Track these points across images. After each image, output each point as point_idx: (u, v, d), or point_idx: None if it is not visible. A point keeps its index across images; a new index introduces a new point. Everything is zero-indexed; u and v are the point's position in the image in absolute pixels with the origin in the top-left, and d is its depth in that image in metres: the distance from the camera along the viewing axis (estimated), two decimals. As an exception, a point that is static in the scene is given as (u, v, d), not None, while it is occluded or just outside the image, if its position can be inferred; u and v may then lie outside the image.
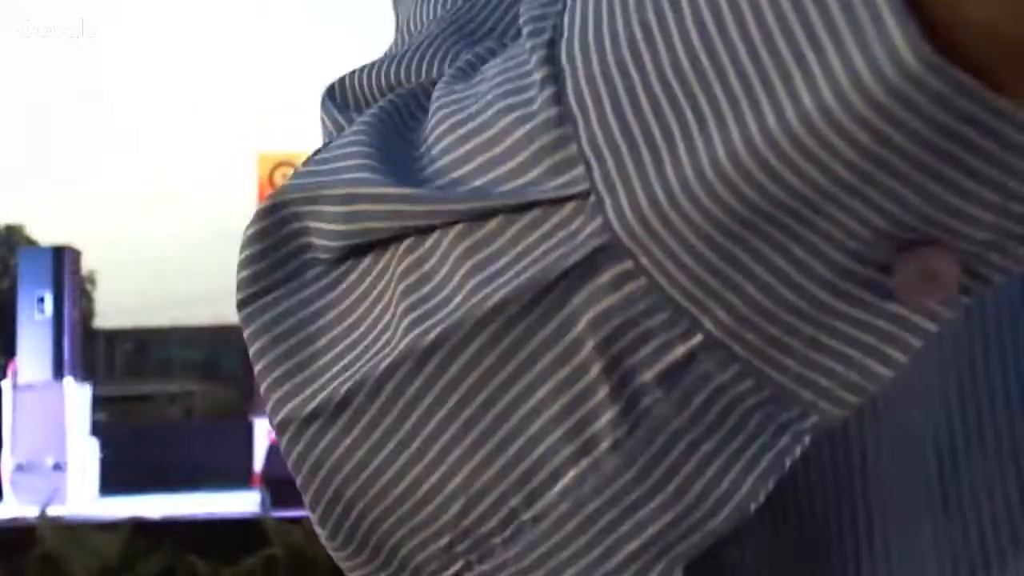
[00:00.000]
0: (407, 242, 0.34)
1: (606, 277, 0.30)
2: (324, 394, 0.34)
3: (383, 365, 0.33)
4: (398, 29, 0.48)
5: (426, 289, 0.33)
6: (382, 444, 0.34)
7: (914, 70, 0.26)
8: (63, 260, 8.26)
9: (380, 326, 0.34)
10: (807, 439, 0.32)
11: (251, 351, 0.36)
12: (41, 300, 8.23)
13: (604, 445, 0.31)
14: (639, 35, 0.29)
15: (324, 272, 0.36)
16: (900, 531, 0.39)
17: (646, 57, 0.29)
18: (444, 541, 0.34)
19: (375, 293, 0.35)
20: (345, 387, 0.34)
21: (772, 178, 0.28)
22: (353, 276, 0.35)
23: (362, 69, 0.44)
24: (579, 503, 0.32)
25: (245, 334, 0.36)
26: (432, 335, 0.32)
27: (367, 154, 0.35)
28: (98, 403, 9.57)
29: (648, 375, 0.31)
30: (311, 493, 0.35)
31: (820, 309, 0.29)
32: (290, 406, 0.35)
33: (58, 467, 7.83)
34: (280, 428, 0.35)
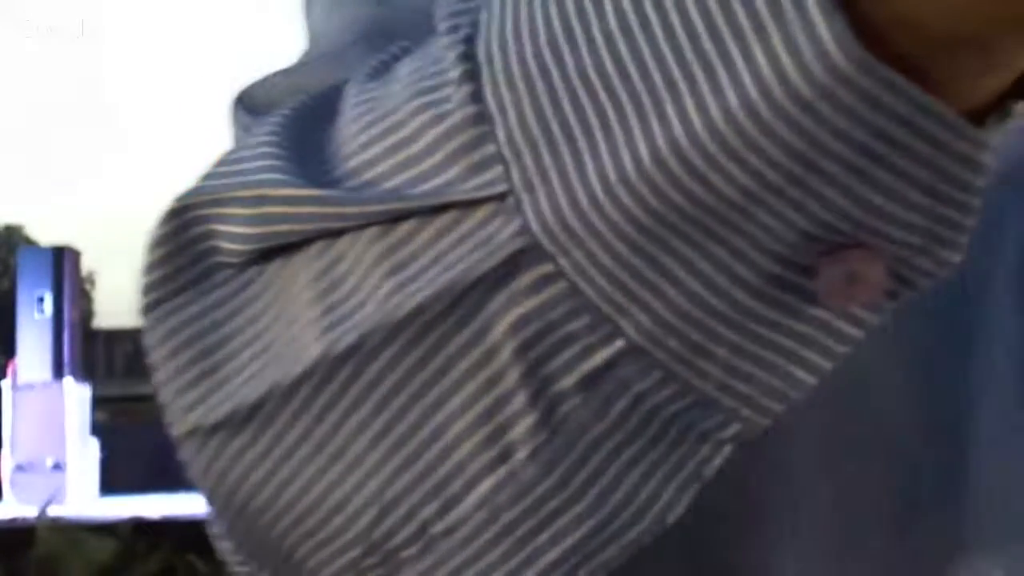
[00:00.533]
0: (317, 245, 0.32)
1: (525, 280, 0.29)
2: (231, 403, 0.33)
3: (294, 372, 0.32)
4: (309, 40, 0.47)
5: (338, 294, 0.32)
6: (291, 453, 0.32)
7: (842, 68, 0.25)
8: (63, 260, 8.26)
9: (290, 332, 0.33)
10: (728, 448, 0.31)
11: (152, 359, 0.35)
12: (41, 300, 8.23)
13: (522, 453, 0.30)
14: (560, 31, 0.28)
15: (231, 277, 0.34)
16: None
17: (567, 54, 0.28)
18: (353, 555, 0.33)
19: (284, 298, 0.33)
20: (254, 395, 0.33)
21: (696, 179, 0.27)
22: (261, 281, 0.34)
23: (274, 74, 0.43)
24: (495, 513, 0.31)
25: (146, 342, 0.35)
26: (345, 341, 0.31)
27: (277, 155, 0.34)
28: (98, 403, 9.57)
29: (567, 381, 0.30)
30: (216, 506, 0.34)
31: (744, 314, 0.29)
32: (194, 415, 0.34)
33: (58, 467, 7.83)
34: (184, 439, 0.34)
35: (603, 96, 0.28)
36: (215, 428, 0.33)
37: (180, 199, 0.35)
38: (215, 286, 0.35)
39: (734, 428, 0.30)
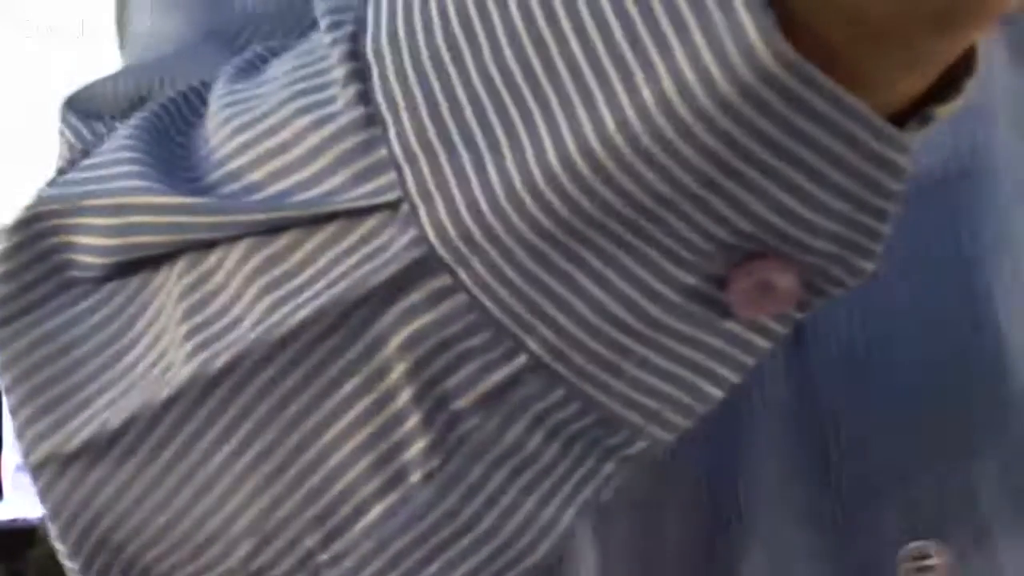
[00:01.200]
0: (186, 258, 0.30)
1: (420, 294, 0.28)
2: (91, 428, 0.31)
3: (163, 394, 0.30)
4: (130, 43, 0.45)
5: (211, 310, 0.30)
6: (160, 480, 0.30)
7: (767, 65, 0.23)
8: (63, 260, 8.23)
9: (156, 351, 0.31)
10: (630, 465, 0.30)
11: (4, 383, 0.32)
12: (41, 300, 8.18)
13: (415, 477, 0.29)
14: (459, 29, 0.26)
15: (87, 292, 0.32)
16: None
17: (465, 51, 0.26)
18: None
19: (148, 314, 0.31)
20: (118, 419, 0.30)
21: (607, 183, 0.25)
22: (121, 296, 0.31)
23: (107, 78, 0.40)
24: (384, 542, 0.29)
25: None
26: (221, 360, 0.29)
27: (139, 159, 0.31)
28: (98, 403, 9.53)
29: (464, 401, 0.28)
30: (71, 540, 0.31)
31: (652, 327, 0.27)
32: (48, 443, 0.31)
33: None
34: (36, 470, 0.31)
35: (506, 97, 0.26)
36: (73, 457, 0.31)
37: (30, 207, 0.33)
38: (70, 302, 0.32)
39: (639, 445, 0.29)
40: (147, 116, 0.34)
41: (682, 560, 0.39)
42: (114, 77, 0.40)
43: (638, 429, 0.29)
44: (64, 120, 0.40)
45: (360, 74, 0.28)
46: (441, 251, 0.27)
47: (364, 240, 0.28)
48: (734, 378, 0.29)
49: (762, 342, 0.28)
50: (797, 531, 0.39)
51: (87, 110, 0.39)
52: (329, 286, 0.28)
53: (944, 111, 0.27)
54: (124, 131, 0.33)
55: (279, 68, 0.31)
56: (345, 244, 0.28)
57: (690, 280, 0.27)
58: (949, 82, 0.27)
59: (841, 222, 0.26)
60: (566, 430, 0.29)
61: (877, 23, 0.24)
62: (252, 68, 0.33)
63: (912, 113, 0.27)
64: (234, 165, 0.30)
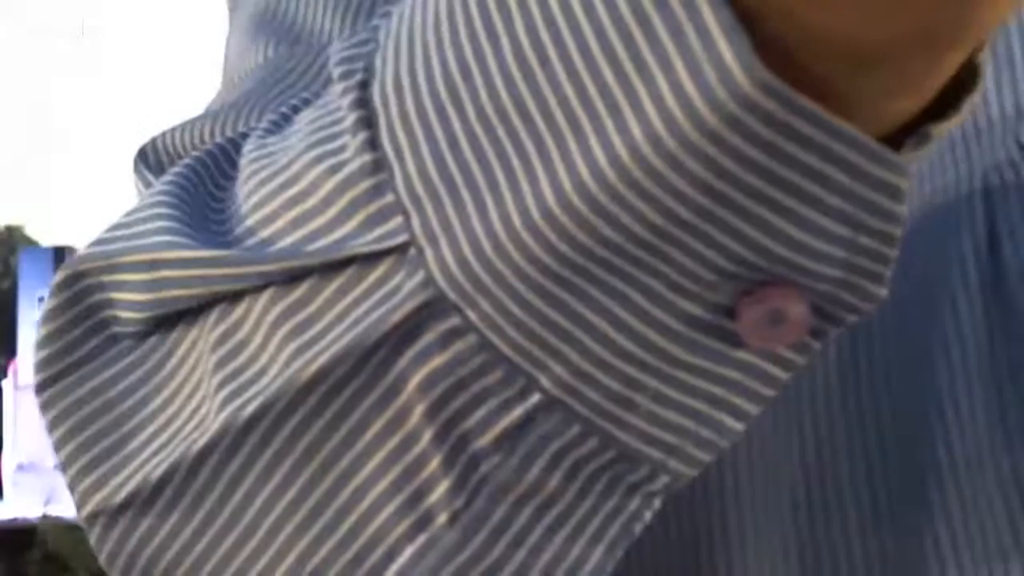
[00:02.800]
0: (218, 309, 0.31)
1: (432, 336, 0.28)
2: (135, 480, 0.32)
3: (199, 444, 0.30)
4: (224, 68, 0.45)
5: (241, 359, 0.30)
6: (203, 530, 0.31)
7: (747, 92, 0.23)
8: (63, 260, 8.23)
9: (194, 402, 0.31)
10: (657, 501, 0.29)
11: (53, 439, 0.33)
12: (41, 300, 8.19)
13: (441, 519, 0.29)
14: (456, 71, 0.27)
15: (130, 348, 0.33)
16: (760, 554, 0.38)
17: (464, 94, 0.27)
18: None
19: (187, 367, 0.32)
20: (159, 471, 0.31)
21: (604, 218, 0.25)
22: (162, 350, 0.32)
23: (175, 128, 0.41)
24: None
25: (45, 422, 0.33)
26: (250, 408, 0.30)
27: (170, 216, 0.32)
28: (99, 403, 9.53)
29: (484, 440, 0.28)
30: None
31: (664, 360, 0.27)
32: (98, 497, 0.32)
33: (59, 467, 7.79)
34: (89, 523, 0.32)
35: (504, 138, 0.26)
36: (120, 509, 0.32)
37: (71, 265, 0.34)
38: (114, 358, 0.33)
39: (663, 480, 0.29)
40: (181, 171, 0.34)
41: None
42: (183, 126, 0.41)
43: (659, 464, 0.29)
44: (136, 171, 0.41)
45: (368, 121, 0.28)
46: (449, 292, 0.27)
47: (377, 284, 0.28)
48: (754, 410, 0.29)
49: (780, 372, 0.28)
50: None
51: (157, 161, 0.41)
52: (347, 331, 0.28)
53: (941, 129, 0.27)
54: (160, 186, 0.34)
55: (303, 119, 0.31)
56: (360, 289, 0.28)
57: (696, 311, 0.27)
58: (953, 97, 0.27)
59: (844, 247, 0.26)
60: (587, 467, 0.29)
61: (859, 48, 0.24)
62: (285, 121, 0.33)
63: (911, 130, 0.27)
64: (259, 215, 0.30)
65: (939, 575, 0.37)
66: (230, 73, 0.45)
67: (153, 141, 0.42)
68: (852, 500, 0.38)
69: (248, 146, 0.33)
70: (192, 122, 0.42)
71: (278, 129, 0.33)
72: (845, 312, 0.27)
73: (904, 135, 0.27)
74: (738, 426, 0.29)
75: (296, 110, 0.34)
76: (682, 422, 0.28)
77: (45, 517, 6.17)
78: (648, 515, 0.30)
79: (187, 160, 0.35)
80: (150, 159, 0.42)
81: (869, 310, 0.27)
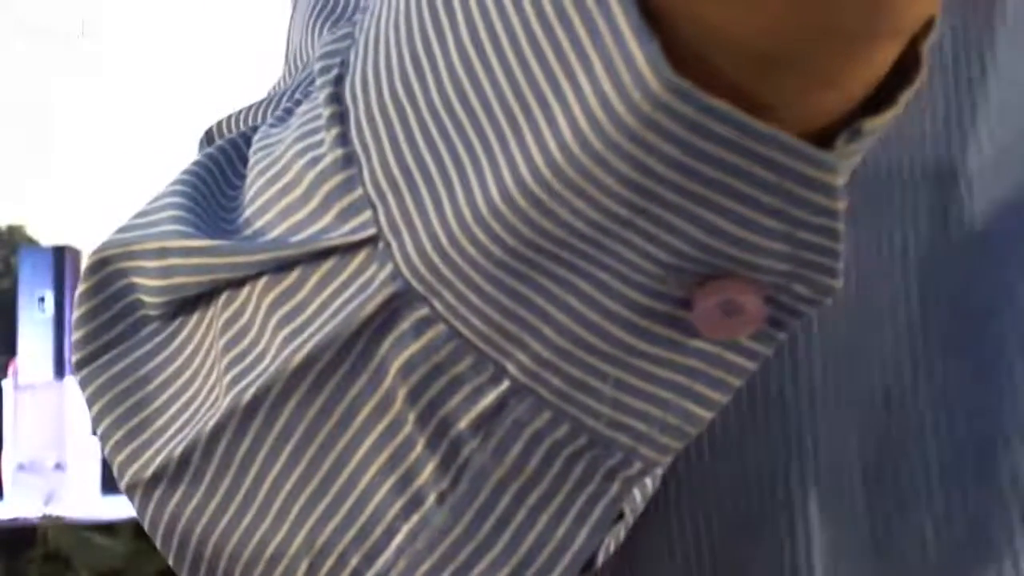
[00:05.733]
0: (224, 295, 0.32)
1: (407, 324, 0.29)
2: (163, 455, 0.33)
3: (211, 424, 0.32)
4: (286, 62, 0.46)
5: (243, 344, 0.32)
6: (226, 505, 0.33)
7: (657, 92, 0.24)
8: (63, 260, 8.22)
9: (210, 383, 0.33)
10: (637, 484, 0.30)
11: (91, 414, 0.35)
12: (42, 300, 8.18)
13: (431, 499, 0.30)
14: (409, 66, 0.28)
15: (158, 329, 0.35)
16: (834, 459, 0.38)
17: (417, 90, 0.28)
18: None
19: (204, 349, 0.33)
20: (180, 448, 0.33)
21: (544, 213, 0.26)
22: (185, 332, 0.34)
23: (239, 111, 0.43)
24: (415, 561, 0.31)
25: (84, 396, 0.35)
26: (250, 392, 0.31)
27: (181, 205, 0.34)
28: (99, 403, 9.50)
29: (463, 424, 0.29)
30: (172, 557, 0.34)
31: (621, 348, 0.28)
32: (133, 469, 0.34)
33: (59, 467, 7.79)
34: (128, 492, 0.34)
35: (453, 134, 0.27)
36: (153, 481, 0.33)
37: (97, 251, 0.35)
38: (144, 339, 0.35)
39: (637, 466, 0.29)
40: (201, 160, 0.35)
41: None
42: (248, 109, 0.42)
43: (630, 450, 0.29)
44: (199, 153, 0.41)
45: (341, 116, 0.29)
46: (415, 283, 0.28)
47: (355, 274, 0.29)
48: (721, 399, 0.29)
49: (744, 362, 0.28)
50: None
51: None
52: (330, 318, 0.30)
53: (873, 124, 0.26)
54: (178, 175, 0.35)
55: (299, 111, 0.32)
56: (340, 279, 0.30)
57: (649, 301, 0.27)
58: (893, 90, 0.27)
59: (783, 241, 0.26)
60: (563, 452, 0.30)
61: (759, 46, 0.24)
62: (289, 113, 0.34)
63: (844, 124, 0.26)
64: (255, 206, 0.32)
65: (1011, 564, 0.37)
66: (291, 57, 0.46)
67: (219, 124, 0.43)
68: (921, 466, 0.38)
69: (258, 135, 0.34)
70: (252, 106, 0.43)
71: (284, 120, 0.34)
72: (801, 303, 0.27)
73: (836, 128, 0.26)
74: (705, 414, 0.29)
75: (300, 102, 0.35)
76: (648, 409, 0.29)
77: (45, 517, 6.17)
78: (638, 498, 0.31)
79: (210, 149, 0.36)
80: (214, 141, 0.43)
81: (824, 300, 0.27)
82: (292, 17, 0.48)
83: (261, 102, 0.43)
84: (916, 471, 0.37)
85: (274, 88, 0.45)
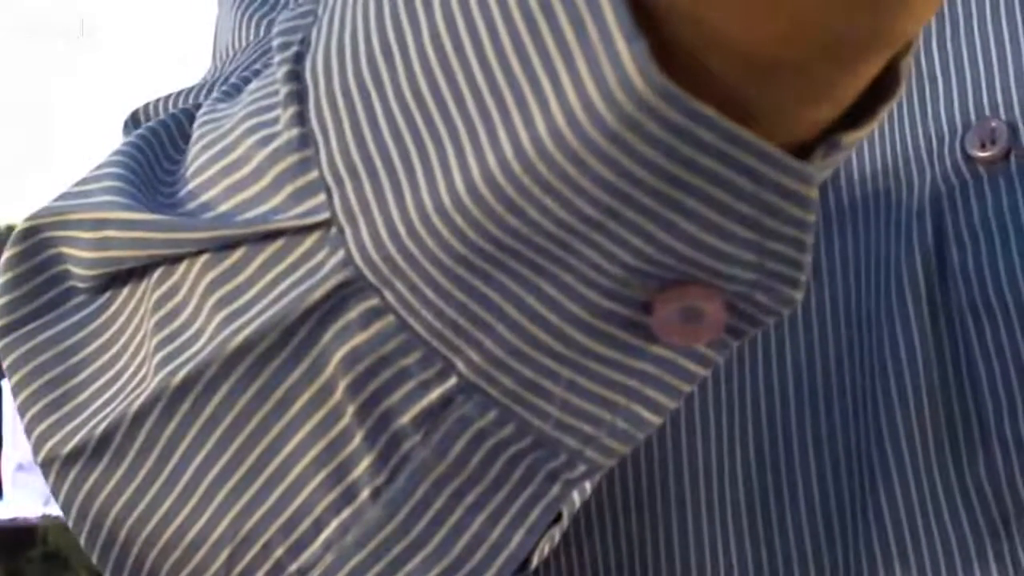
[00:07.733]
0: (159, 272, 0.31)
1: (354, 314, 0.28)
2: (83, 432, 0.32)
3: (136, 404, 0.31)
4: (214, 56, 0.46)
5: (176, 324, 0.31)
6: (146, 487, 0.31)
7: (645, 97, 0.23)
8: (63, 260, 8.20)
9: (137, 361, 0.32)
10: (578, 487, 0.30)
11: (11, 383, 0.34)
12: (41, 300, 8.15)
13: (364, 494, 0.29)
14: (379, 52, 0.26)
15: (86, 302, 0.33)
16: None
17: (385, 76, 0.26)
18: None
19: (133, 326, 0.32)
20: (103, 426, 0.31)
21: (511, 210, 0.25)
22: (114, 307, 0.33)
23: (165, 97, 0.42)
24: (343, 556, 0.30)
25: (4, 365, 0.34)
26: (181, 374, 0.30)
27: (120, 176, 0.33)
28: (98, 403, 9.49)
29: (405, 419, 0.29)
30: (84, 537, 0.33)
31: (576, 351, 0.27)
32: (51, 444, 0.33)
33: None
34: (44, 467, 0.33)
35: (420, 123, 0.26)
36: (71, 458, 0.32)
37: (29, 218, 0.34)
38: (70, 311, 0.33)
39: (580, 468, 0.29)
40: (142, 133, 0.35)
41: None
42: (171, 95, 0.42)
43: (576, 453, 0.29)
44: (124, 135, 0.41)
45: (300, 95, 0.28)
46: (367, 272, 0.28)
47: (303, 259, 0.28)
48: (670, 404, 0.28)
49: (697, 368, 0.28)
50: None
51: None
52: (272, 303, 0.29)
53: (851, 138, 0.26)
54: (117, 147, 0.34)
55: (249, 88, 0.31)
56: (287, 263, 0.29)
57: (609, 304, 0.27)
58: (873, 104, 0.27)
59: (753, 251, 0.26)
60: (506, 452, 0.29)
61: (756, 53, 0.23)
62: (238, 89, 0.34)
63: (821, 139, 0.26)
64: (199, 180, 0.31)
65: None
66: (219, 49, 0.46)
67: (145, 107, 0.43)
68: (806, 510, 0.38)
69: (202, 111, 0.33)
70: (180, 92, 0.42)
71: (231, 96, 0.33)
72: (761, 313, 0.27)
73: (814, 142, 0.26)
74: (655, 419, 0.29)
75: (248, 80, 0.34)
76: (597, 412, 0.28)
77: (45, 517, 6.17)
78: (577, 500, 0.30)
79: (149, 124, 0.35)
80: (140, 124, 0.42)
81: (786, 311, 0.27)
82: (219, 12, 0.48)
83: (192, 88, 0.43)
84: None
85: (203, 80, 0.44)
